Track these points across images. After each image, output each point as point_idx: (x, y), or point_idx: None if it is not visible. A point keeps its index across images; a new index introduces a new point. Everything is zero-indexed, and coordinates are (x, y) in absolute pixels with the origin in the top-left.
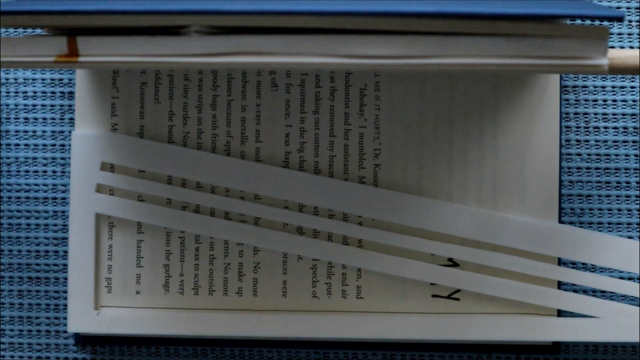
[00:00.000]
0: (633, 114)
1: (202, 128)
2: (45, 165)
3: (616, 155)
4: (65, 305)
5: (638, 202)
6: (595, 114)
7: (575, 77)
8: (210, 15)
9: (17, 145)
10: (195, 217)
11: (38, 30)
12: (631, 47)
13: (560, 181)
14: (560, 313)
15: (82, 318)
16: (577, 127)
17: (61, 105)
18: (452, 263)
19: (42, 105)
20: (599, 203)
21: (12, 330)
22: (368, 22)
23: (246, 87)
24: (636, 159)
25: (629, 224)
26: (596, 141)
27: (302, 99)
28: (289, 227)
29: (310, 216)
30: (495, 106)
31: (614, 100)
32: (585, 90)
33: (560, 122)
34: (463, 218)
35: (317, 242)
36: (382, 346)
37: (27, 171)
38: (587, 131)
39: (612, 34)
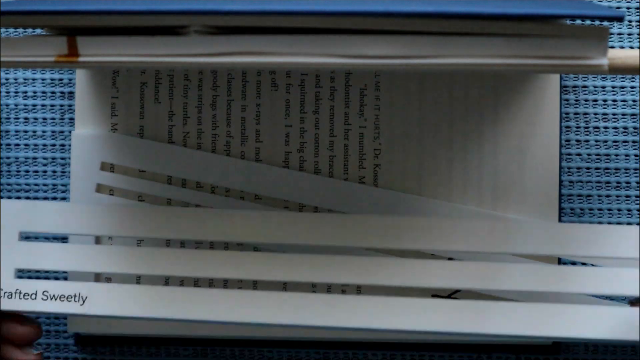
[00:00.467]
0: (633, 114)
1: (202, 128)
2: (45, 165)
3: (616, 155)
4: None
5: (638, 202)
6: (595, 114)
7: (575, 77)
8: (210, 15)
9: (17, 145)
10: None
11: (38, 30)
12: (631, 47)
13: (560, 181)
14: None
15: (82, 318)
16: (577, 127)
17: (61, 105)
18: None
19: (42, 105)
20: (599, 203)
21: None
22: (368, 22)
23: (246, 87)
24: (636, 159)
25: (629, 224)
26: (596, 141)
27: (302, 99)
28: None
29: None
30: (495, 106)
31: (614, 100)
32: (585, 90)
33: (560, 122)
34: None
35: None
36: (382, 346)
37: (27, 171)
38: (587, 131)
39: (612, 34)
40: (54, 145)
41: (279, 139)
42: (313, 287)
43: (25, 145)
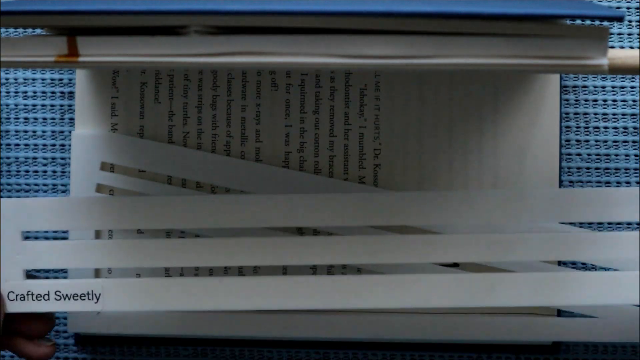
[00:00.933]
0: (633, 114)
1: (202, 128)
2: (45, 165)
3: (616, 155)
4: None
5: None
6: (595, 114)
7: (575, 77)
8: (210, 15)
9: (17, 145)
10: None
11: (38, 30)
12: (631, 47)
13: (560, 181)
14: (560, 313)
15: (82, 318)
16: (577, 127)
17: (61, 105)
18: (452, 263)
19: (42, 105)
20: None
21: None
22: (368, 22)
23: (246, 87)
24: (636, 159)
25: (629, 224)
26: (596, 141)
27: (302, 99)
28: (289, 227)
29: None
30: (495, 106)
31: (614, 100)
32: (585, 90)
33: (560, 122)
34: None
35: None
36: (382, 346)
37: (27, 171)
38: (587, 131)
39: (612, 34)
40: (54, 145)
41: (279, 139)
42: (313, 270)
43: (25, 145)
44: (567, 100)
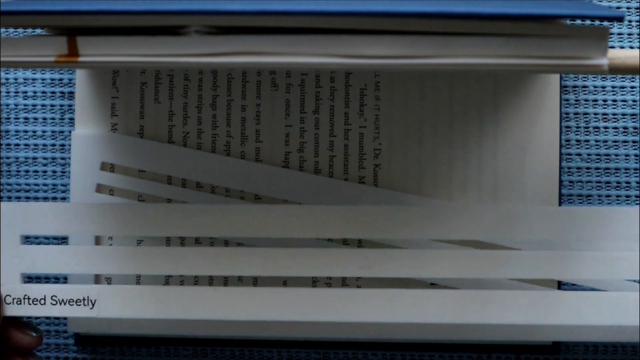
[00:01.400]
0: (633, 114)
1: (202, 128)
2: (45, 165)
3: (616, 155)
4: None
5: (638, 202)
6: (595, 114)
7: (575, 77)
8: (210, 15)
9: (17, 145)
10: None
11: (38, 30)
12: (631, 47)
13: (560, 181)
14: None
15: (82, 318)
16: (577, 127)
17: (61, 105)
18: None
19: (42, 105)
20: (599, 203)
21: None
22: (368, 22)
23: (246, 87)
24: (636, 159)
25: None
26: (596, 141)
27: (302, 99)
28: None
29: None
30: (495, 106)
31: (614, 100)
32: (585, 90)
33: (560, 122)
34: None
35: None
36: (382, 346)
37: (27, 171)
38: (587, 131)
39: (612, 34)
40: (54, 145)
41: (279, 139)
42: (313, 282)
43: (25, 145)
44: (567, 100)
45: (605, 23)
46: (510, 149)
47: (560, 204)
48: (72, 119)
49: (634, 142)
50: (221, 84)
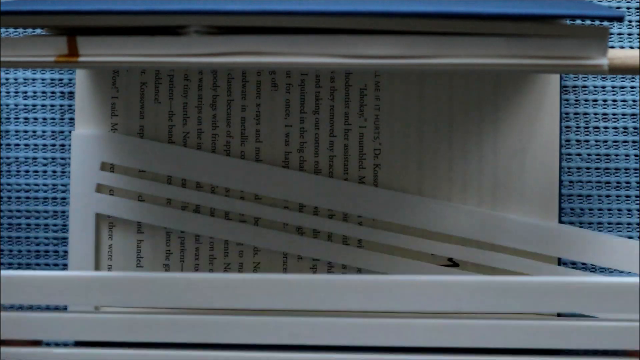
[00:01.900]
0: (633, 114)
1: (202, 128)
2: (45, 165)
3: (616, 155)
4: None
5: (638, 202)
6: (595, 114)
7: (575, 77)
8: (210, 15)
9: (17, 145)
10: (195, 217)
11: (38, 30)
12: (631, 47)
13: (560, 181)
14: (560, 315)
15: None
16: (577, 127)
17: (61, 105)
18: (452, 263)
19: (42, 105)
20: (599, 203)
21: None
22: (368, 22)
23: (246, 87)
24: (636, 159)
25: (629, 224)
26: (596, 141)
27: (302, 99)
28: (289, 227)
29: (310, 216)
30: (495, 106)
31: (614, 100)
32: (585, 90)
33: (560, 122)
34: (463, 218)
35: (317, 242)
36: (381, 350)
37: (27, 171)
38: (587, 131)
39: (612, 34)
40: (54, 145)
41: (279, 139)
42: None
43: (25, 145)
44: (567, 100)
45: (605, 23)
46: (510, 149)
47: (560, 204)
48: (72, 119)
49: (634, 142)
50: (221, 84)
